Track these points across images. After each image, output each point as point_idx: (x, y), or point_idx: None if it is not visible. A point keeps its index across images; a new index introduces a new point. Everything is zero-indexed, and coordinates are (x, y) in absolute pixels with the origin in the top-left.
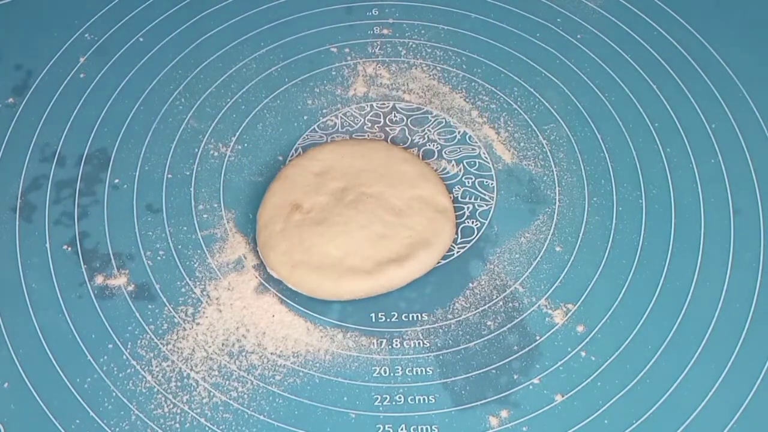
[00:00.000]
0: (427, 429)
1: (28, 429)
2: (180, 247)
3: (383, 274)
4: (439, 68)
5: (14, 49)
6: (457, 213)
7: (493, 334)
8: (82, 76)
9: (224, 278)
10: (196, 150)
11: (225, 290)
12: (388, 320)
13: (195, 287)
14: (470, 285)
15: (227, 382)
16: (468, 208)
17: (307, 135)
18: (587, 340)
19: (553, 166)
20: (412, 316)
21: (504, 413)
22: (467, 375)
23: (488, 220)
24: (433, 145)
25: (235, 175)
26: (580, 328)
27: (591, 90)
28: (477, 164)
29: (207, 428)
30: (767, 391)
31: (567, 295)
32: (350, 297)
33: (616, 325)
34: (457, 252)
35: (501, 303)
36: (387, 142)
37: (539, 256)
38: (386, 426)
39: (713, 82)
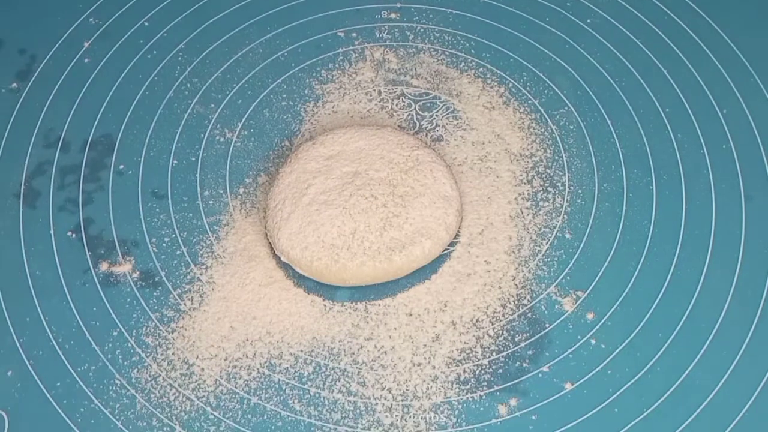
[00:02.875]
0: (435, 417)
1: (32, 417)
2: (185, 233)
3: (388, 260)
4: (447, 53)
5: (18, 34)
6: (465, 200)
7: (502, 322)
8: (86, 60)
9: (230, 265)
10: (202, 135)
11: (231, 277)
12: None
13: (201, 274)
14: (479, 272)
15: (233, 370)
16: (476, 194)
17: (314, 120)
18: (597, 327)
19: (562, 152)
20: (421, 303)
21: (513, 401)
22: (476, 363)
23: (497, 206)
24: (441, 130)
25: (242, 161)
26: (590, 316)
27: (601, 75)
28: (486, 150)
29: (213, 417)
30: None
31: (577, 282)
32: (356, 282)
33: (627, 313)
34: (466, 239)
35: (510, 290)
36: (396, 128)
37: (549, 243)
38: (394, 413)
39: (724, 67)
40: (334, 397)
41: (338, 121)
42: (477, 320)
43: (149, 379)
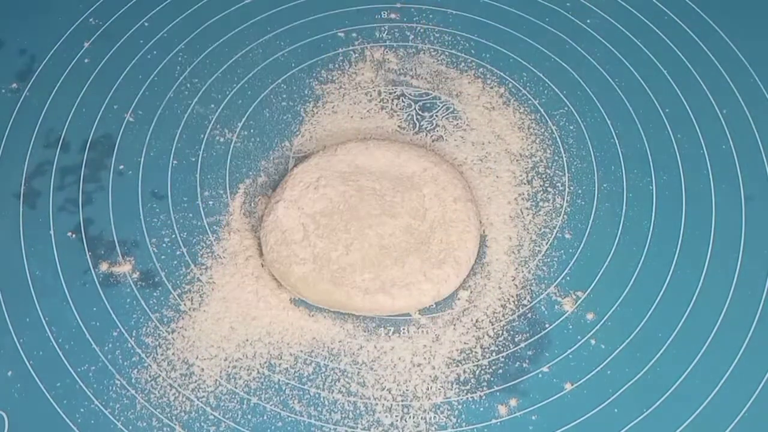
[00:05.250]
0: (435, 417)
1: (32, 418)
2: (185, 234)
3: (347, 297)
4: (447, 53)
5: (19, 34)
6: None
7: (502, 322)
8: (86, 61)
9: (230, 265)
10: (202, 136)
11: (231, 277)
12: None
13: (200, 274)
14: (479, 272)
15: (233, 371)
16: (476, 194)
17: (314, 120)
18: (597, 327)
19: (562, 152)
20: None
21: (513, 402)
22: (476, 363)
23: (497, 206)
24: (441, 130)
25: (242, 161)
26: (590, 316)
27: (601, 75)
28: (486, 150)
29: (213, 417)
30: None
31: (577, 282)
32: (340, 310)
33: (627, 313)
34: None
35: (510, 290)
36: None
37: (548, 243)
38: (394, 414)
39: (724, 68)
40: (334, 398)
41: (339, 122)
42: (477, 320)
43: (149, 379)
